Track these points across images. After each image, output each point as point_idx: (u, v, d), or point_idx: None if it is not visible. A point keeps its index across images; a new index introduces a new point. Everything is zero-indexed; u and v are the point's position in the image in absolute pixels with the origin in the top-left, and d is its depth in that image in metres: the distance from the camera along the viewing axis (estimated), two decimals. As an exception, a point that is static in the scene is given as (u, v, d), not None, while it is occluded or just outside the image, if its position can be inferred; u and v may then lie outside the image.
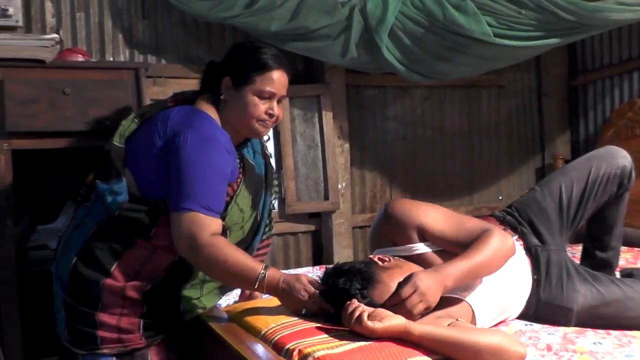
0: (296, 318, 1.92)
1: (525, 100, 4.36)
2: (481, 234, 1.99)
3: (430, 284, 1.81)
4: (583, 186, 2.31)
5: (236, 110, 2.04)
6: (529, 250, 2.26)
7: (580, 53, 4.28)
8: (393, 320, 1.71)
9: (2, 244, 2.58)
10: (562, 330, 2.11)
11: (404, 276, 1.85)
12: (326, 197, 3.63)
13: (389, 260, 1.97)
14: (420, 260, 2.03)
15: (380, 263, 1.95)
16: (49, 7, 3.20)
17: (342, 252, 3.63)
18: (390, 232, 2.09)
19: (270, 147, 3.66)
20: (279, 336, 1.80)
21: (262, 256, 2.37)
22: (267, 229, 2.36)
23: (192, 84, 3.48)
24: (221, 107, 2.07)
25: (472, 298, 2.00)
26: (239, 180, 2.11)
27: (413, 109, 4.03)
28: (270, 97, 2.03)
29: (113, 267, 1.98)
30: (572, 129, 4.34)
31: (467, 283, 1.96)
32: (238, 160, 2.13)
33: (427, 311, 1.83)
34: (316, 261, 3.72)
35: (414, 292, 1.79)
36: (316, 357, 1.64)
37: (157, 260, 2.02)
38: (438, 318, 1.87)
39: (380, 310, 1.75)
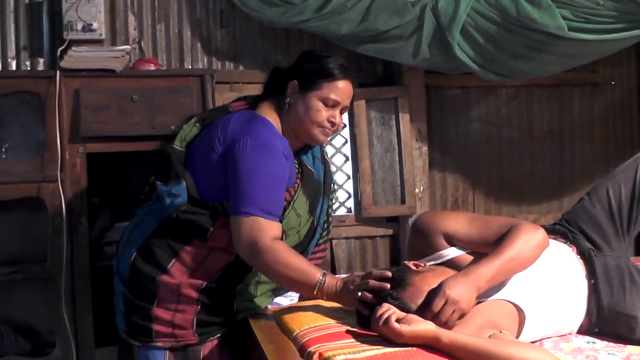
0: (333, 321, 1.90)
1: (624, 98, 4.06)
2: (509, 230, 1.92)
3: (461, 291, 1.75)
4: (631, 187, 2.19)
5: (299, 115, 2.08)
6: (582, 253, 2.13)
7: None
8: (422, 325, 1.66)
9: (77, 239, 2.79)
10: (628, 350, 1.95)
11: (437, 279, 1.81)
12: (403, 201, 3.57)
13: (423, 265, 1.93)
14: (452, 264, 1.98)
15: (413, 267, 1.91)
16: (131, 20, 3.38)
17: (420, 257, 3.55)
18: (419, 245, 2.08)
19: (347, 150, 3.67)
20: (306, 338, 1.78)
21: (318, 260, 2.37)
22: (324, 233, 2.37)
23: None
24: (284, 111, 2.12)
25: (520, 299, 1.92)
26: (296, 185, 2.14)
27: (498, 109, 3.88)
28: (334, 105, 2.08)
29: (170, 265, 2.06)
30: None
31: (502, 280, 1.89)
32: (297, 166, 2.16)
33: (462, 317, 1.77)
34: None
35: (445, 303, 1.74)
36: (335, 361, 1.61)
37: (214, 260, 2.08)
38: (480, 329, 1.79)
39: (412, 315, 1.71)
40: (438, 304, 1.74)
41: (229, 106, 2.21)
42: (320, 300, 1.99)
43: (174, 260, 2.06)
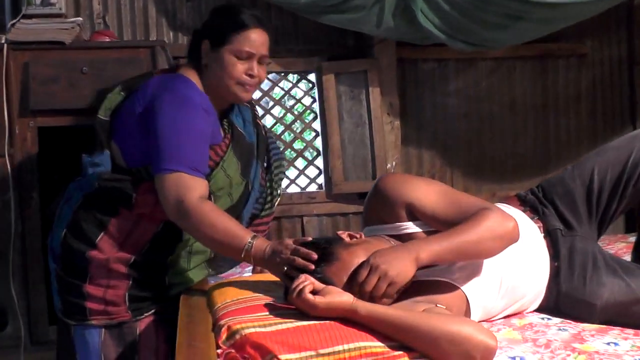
0: (259, 294, 1.81)
1: (613, 70, 3.92)
2: (476, 213, 1.72)
3: (389, 260, 1.60)
4: (620, 170, 1.98)
5: (216, 73, 2.01)
6: (549, 233, 1.97)
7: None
8: (337, 297, 1.54)
9: (29, 215, 2.77)
10: (582, 327, 1.82)
11: (368, 254, 1.65)
12: (374, 177, 3.48)
13: (359, 237, 1.78)
14: (409, 239, 1.79)
15: (347, 239, 1.75)
16: (95, -6, 3.36)
17: (393, 235, 3.46)
18: (379, 209, 1.88)
19: (317, 125, 3.60)
20: (223, 312, 1.69)
21: (261, 233, 2.31)
22: (267, 206, 2.30)
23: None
24: (203, 73, 2.04)
25: (467, 284, 1.76)
26: (224, 144, 2.07)
27: (477, 82, 3.76)
28: (248, 57, 1.99)
29: (98, 238, 2.01)
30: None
31: (450, 261, 1.74)
32: (226, 126, 2.10)
33: (395, 289, 1.61)
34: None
35: (370, 272, 1.59)
36: (243, 334, 1.50)
37: (141, 231, 2.03)
38: (415, 303, 1.66)
39: (331, 287, 1.58)
40: (362, 274, 1.60)
41: (154, 72, 2.17)
42: (265, 274, 1.92)
43: (102, 234, 2.02)
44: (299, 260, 1.67)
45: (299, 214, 3.54)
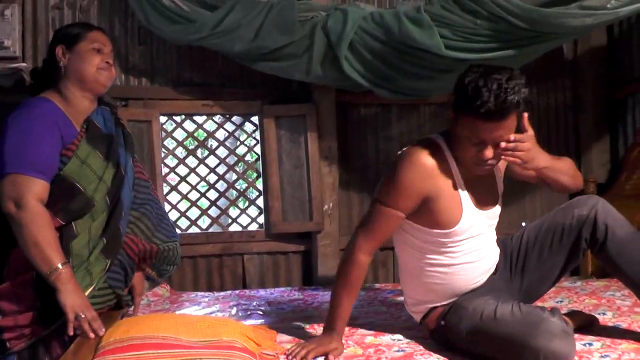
0: (143, 335, 1.95)
1: (559, 116, 3.96)
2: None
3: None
4: (534, 235, 2.21)
5: (78, 67, 2.25)
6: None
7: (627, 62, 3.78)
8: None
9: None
10: None
11: None
12: (311, 218, 3.56)
13: None
14: None
15: None
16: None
17: (329, 274, 3.50)
18: None
19: (260, 166, 3.69)
20: (101, 351, 1.89)
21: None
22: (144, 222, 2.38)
23: (182, 105, 3.65)
24: (61, 81, 2.25)
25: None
26: (80, 136, 2.21)
27: (419, 127, 3.81)
28: (100, 50, 2.29)
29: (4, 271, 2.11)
30: (611, 148, 3.83)
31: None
32: (83, 126, 2.24)
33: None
34: (307, 281, 3.66)
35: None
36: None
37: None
38: None
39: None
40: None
41: None
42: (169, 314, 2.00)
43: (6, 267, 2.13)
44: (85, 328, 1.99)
45: (239, 251, 3.63)
